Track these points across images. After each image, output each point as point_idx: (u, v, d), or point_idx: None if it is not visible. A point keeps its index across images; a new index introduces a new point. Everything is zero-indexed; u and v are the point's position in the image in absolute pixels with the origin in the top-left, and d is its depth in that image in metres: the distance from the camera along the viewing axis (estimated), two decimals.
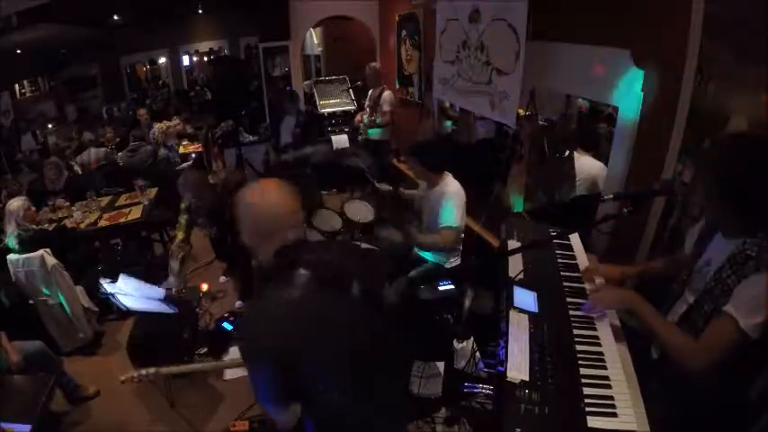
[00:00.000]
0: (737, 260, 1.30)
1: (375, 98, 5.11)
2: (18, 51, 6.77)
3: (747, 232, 1.30)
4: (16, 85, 6.99)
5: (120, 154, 5.19)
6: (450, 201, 2.62)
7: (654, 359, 1.57)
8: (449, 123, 4.81)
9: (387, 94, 5.09)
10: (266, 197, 1.28)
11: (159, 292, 2.83)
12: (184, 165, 5.14)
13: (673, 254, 1.69)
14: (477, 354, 2.52)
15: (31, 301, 3.09)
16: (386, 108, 5.06)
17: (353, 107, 5.95)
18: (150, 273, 3.81)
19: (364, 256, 1.39)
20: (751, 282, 1.24)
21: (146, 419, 2.67)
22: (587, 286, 1.72)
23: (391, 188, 3.19)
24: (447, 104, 4.58)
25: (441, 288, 2.58)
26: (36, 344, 2.62)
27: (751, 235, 1.29)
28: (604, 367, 1.38)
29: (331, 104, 6.07)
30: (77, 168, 5.01)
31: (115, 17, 7.20)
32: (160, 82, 8.63)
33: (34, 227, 3.35)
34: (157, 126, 5.10)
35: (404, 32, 5.18)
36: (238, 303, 3.68)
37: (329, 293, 1.26)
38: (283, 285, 1.22)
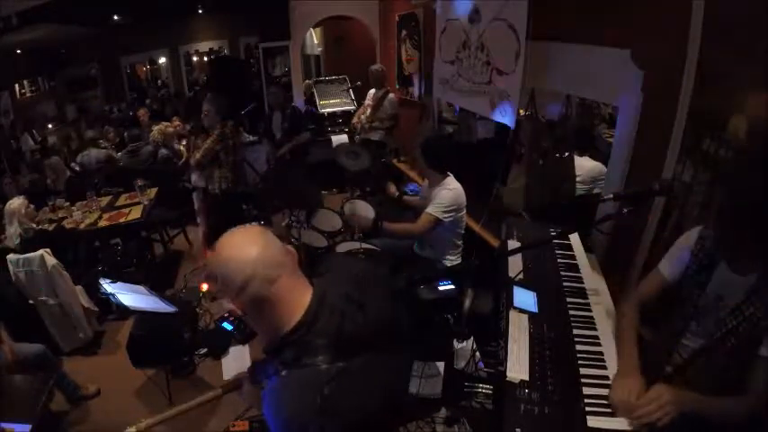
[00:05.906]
0: (762, 296, 1.20)
1: (378, 99, 5.05)
2: (18, 51, 6.77)
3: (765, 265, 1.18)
4: (16, 85, 6.99)
5: (120, 154, 5.20)
6: (443, 194, 2.67)
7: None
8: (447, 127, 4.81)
9: (391, 97, 5.05)
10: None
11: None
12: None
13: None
14: (477, 354, 2.52)
15: (30, 301, 3.09)
16: (389, 111, 5.03)
17: (353, 107, 5.95)
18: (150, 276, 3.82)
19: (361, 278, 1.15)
20: None
21: (146, 419, 2.66)
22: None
23: (398, 193, 3.18)
24: (445, 107, 4.56)
25: (441, 288, 2.58)
26: (36, 347, 2.61)
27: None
28: (604, 367, 1.39)
29: (331, 104, 6.07)
30: (77, 168, 5.00)
31: (115, 17, 7.20)
32: (159, 82, 8.64)
33: (35, 226, 3.35)
34: (156, 128, 5.10)
35: (404, 32, 5.17)
36: None
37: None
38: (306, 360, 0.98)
